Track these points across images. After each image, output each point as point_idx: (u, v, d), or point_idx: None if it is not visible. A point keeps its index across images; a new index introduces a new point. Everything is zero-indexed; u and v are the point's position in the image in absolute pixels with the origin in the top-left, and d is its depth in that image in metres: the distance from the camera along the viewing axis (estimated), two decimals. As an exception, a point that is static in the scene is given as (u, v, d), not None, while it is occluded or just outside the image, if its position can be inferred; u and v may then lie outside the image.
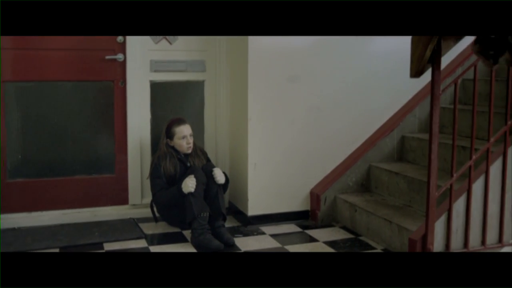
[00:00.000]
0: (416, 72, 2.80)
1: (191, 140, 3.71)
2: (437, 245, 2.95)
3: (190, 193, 3.42)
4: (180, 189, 3.48)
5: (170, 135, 3.69)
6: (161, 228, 3.75)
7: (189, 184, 3.45)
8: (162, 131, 3.75)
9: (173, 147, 3.70)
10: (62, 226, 3.74)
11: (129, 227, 3.72)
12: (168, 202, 3.64)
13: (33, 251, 3.25)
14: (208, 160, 3.84)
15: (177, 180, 3.60)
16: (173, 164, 3.65)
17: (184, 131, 3.68)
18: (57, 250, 3.28)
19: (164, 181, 3.64)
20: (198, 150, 3.81)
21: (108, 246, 3.37)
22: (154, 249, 3.35)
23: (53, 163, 3.90)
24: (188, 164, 3.70)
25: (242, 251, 3.33)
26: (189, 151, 3.71)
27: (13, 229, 3.67)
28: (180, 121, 3.71)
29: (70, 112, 3.90)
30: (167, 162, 3.65)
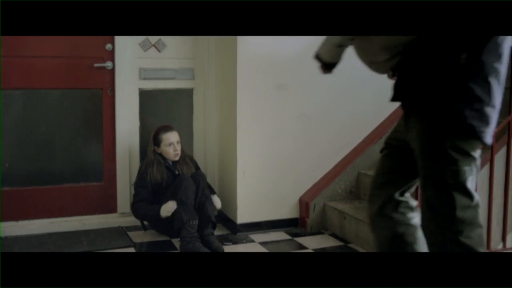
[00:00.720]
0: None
1: (178, 147, 3.71)
2: (426, 252, 2.96)
3: (180, 201, 3.41)
4: (159, 211, 3.51)
5: (157, 142, 3.68)
6: (150, 236, 3.74)
7: (168, 209, 3.48)
8: (149, 138, 3.75)
9: (160, 154, 3.70)
10: (50, 235, 3.71)
11: (118, 236, 3.70)
12: (143, 217, 3.69)
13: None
14: (197, 167, 3.83)
15: (164, 188, 3.60)
16: (160, 171, 3.65)
17: (171, 138, 3.68)
18: (44, 259, 3.25)
19: (148, 190, 3.62)
20: (187, 157, 3.80)
21: (96, 255, 3.35)
22: (143, 257, 3.33)
23: (41, 171, 3.87)
24: (176, 172, 3.69)
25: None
26: (177, 158, 3.71)
27: (0, 238, 3.64)
28: (167, 128, 3.71)
29: (59, 120, 3.88)
30: (154, 169, 3.64)
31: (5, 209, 3.76)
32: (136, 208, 3.67)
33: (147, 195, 3.64)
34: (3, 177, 3.77)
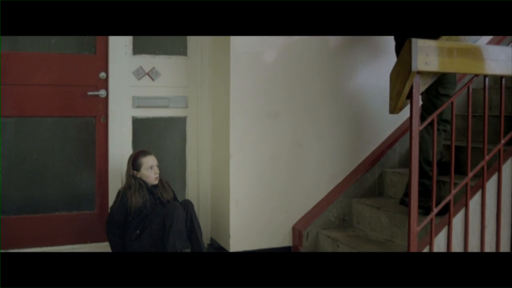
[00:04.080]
0: (395, 108, 2.85)
1: (158, 171, 3.71)
2: (419, 280, 2.94)
3: (172, 230, 3.39)
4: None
5: (136, 166, 3.68)
6: (142, 265, 3.70)
7: None
8: (127, 164, 3.73)
9: (140, 179, 3.69)
10: (40, 264, 3.67)
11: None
12: (109, 241, 3.68)
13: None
14: (174, 194, 3.83)
15: (148, 213, 3.60)
16: (142, 195, 3.63)
17: (150, 161, 3.68)
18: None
19: (123, 216, 3.62)
20: (165, 182, 3.80)
21: (88, 284, 3.31)
22: (135, 286, 3.30)
23: (33, 199, 3.85)
24: (157, 195, 3.69)
25: None
26: (156, 181, 3.71)
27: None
28: (145, 153, 3.72)
29: (51, 148, 3.88)
30: (136, 194, 3.62)
31: (-4, 238, 3.73)
32: (107, 230, 3.67)
33: (120, 220, 3.64)
34: (-6, 206, 3.75)
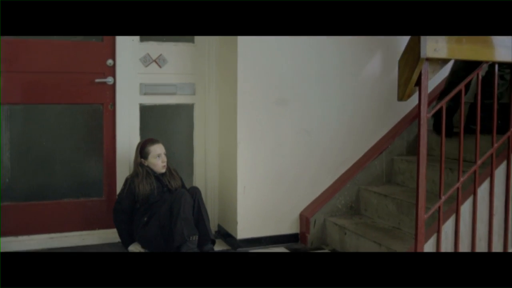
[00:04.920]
0: (403, 95, 2.83)
1: (165, 159, 3.72)
2: (427, 268, 2.94)
3: (180, 217, 3.40)
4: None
5: (144, 154, 3.69)
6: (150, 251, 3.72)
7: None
8: (135, 152, 3.75)
9: (148, 167, 3.70)
10: (49, 250, 3.69)
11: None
12: (117, 229, 3.73)
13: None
14: (182, 181, 3.84)
15: (155, 200, 3.61)
16: (149, 183, 3.65)
17: (158, 149, 3.69)
18: (44, 275, 3.24)
19: (130, 203, 3.66)
20: (172, 170, 3.81)
21: (96, 270, 3.33)
22: (143, 273, 3.31)
23: (41, 186, 3.87)
24: (165, 182, 3.70)
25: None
26: (164, 170, 3.72)
27: None
28: (153, 141, 3.73)
29: (59, 135, 3.89)
30: (143, 181, 3.64)
31: (5, 224, 3.75)
32: (115, 218, 3.72)
33: (128, 208, 3.67)
34: (3, 192, 3.76)
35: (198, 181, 4.15)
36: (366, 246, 3.45)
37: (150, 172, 3.68)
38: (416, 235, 2.86)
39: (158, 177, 3.70)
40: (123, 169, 3.95)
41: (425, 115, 2.82)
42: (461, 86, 2.96)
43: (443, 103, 2.87)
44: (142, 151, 3.70)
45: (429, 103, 3.09)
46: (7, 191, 3.78)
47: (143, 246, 3.69)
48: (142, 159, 3.70)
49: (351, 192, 4.03)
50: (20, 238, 3.78)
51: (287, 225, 3.95)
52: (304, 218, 3.93)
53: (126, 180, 3.72)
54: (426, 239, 2.94)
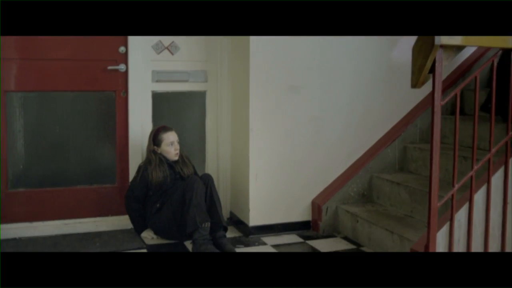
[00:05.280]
0: (417, 82, 2.80)
1: (178, 147, 3.73)
2: (439, 256, 2.94)
3: (192, 203, 3.41)
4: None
5: (157, 142, 3.70)
6: (162, 238, 3.74)
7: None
8: (148, 139, 3.77)
9: (161, 154, 3.71)
10: (63, 236, 3.73)
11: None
12: (129, 215, 3.77)
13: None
14: (194, 169, 3.85)
15: (168, 187, 3.63)
16: (162, 170, 3.66)
17: (171, 137, 3.70)
18: (58, 260, 3.28)
19: (142, 190, 3.69)
20: (185, 158, 3.82)
21: (109, 256, 3.36)
22: (155, 259, 3.34)
23: (55, 173, 3.90)
24: (177, 170, 3.71)
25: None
26: (177, 157, 3.73)
27: (14, 239, 3.67)
28: (166, 128, 3.73)
29: (72, 122, 3.91)
30: (157, 169, 3.65)
31: (20, 210, 3.79)
32: (127, 205, 3.76)
33: (141, 195, 3.70)
34: (17, 179, 3.80)
35: (210, 168, 4.16)
36: (378, 233, 3.44)
37: (163, 160, 3.69)
38: (428, 223, 2.85)
39: (171, 164, 3.71)
40: (136, 156, 3.97)
41: (439, 102, 2.79)
42: (476, 73, 2.93)
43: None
44: (155, 138, 3.71)
45: (443, 91, 3.05)
46: (22, 177, 3.82)
47: (155, 233, 3.71)
48: (155, 147, 3.71)
49: (363, 179, 4.02)
50: (35, 224, 3.82)
51: (299, 213, 3.95)
52: (316, 206, 3.93)
53: (139, 167, 3.73)
54: (439, 227, 2.92)
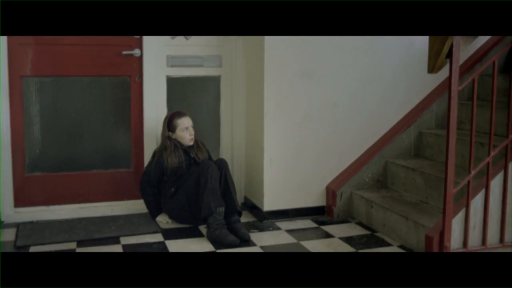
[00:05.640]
0: (433, 67, 2.78)
1: (193, 132, 3.73)
2: (454, 242, 2.93)
3: (207, 188, 3.42)
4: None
5: (172, 127, 3.71)
6: (177, 223, 3.76)
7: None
8: (163, 125, 3.77)
9: (175, 140, 3.72)
10: (79, 220, 3.77)
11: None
12: (144, 199, 3.81)
13: (51, 243, 3.30)
14: (208, 153, 3.86)
15: (183, 173, 3.64)
16: (177, 156, 3.67)
17: (185, 122, 3.71)
18: (74, 244, 3.31)
19: (157, 176, 3.72)
20: (200, 142, 3.82)
21: (124, 240, 3.39)
22: (170, 243, 3.37)
23: (71, 157, 3.93)
24: (191, 155, 3.72)
25: (258, 246, 3.34)
26: (192, 142, 3.74)
27: (31, 222, 3.71)
28: (181, 114, 3.74)
29: (87, 107, 3.93)
30: (172, 154, 3.66)
31: (36, 194, 3.83)
32: (142, 189, 3.79)
33: (155, 180, 3.74)
34: (34, 163, 3.84)
35: (224, 153, 4.17)
36: (393, 219, 3.43)
37: (178, 145, 3.70)
38: (444, 209, 2.84)
39: (186, 150, 3.73)
40: (151, 140, 3.98)
41: (456, 88, 2.77)
42: (494, 58, 2.90)
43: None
44: (169, 124, 3.72)
45: (460, 76, 3.02)
46: (38, 161, 3.85)
47: (170, 217, 3.74)
48: (170, 132, 3.72)
49: (378, 165, 4.00)
50: (52, 207, 3.87)
51: (314, 198, 3.95)
52: (331, 191, 3.92)
53: (154, 153, 3.75)
54: (455, 213, 2.91)
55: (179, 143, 3.72)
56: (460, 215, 2.95)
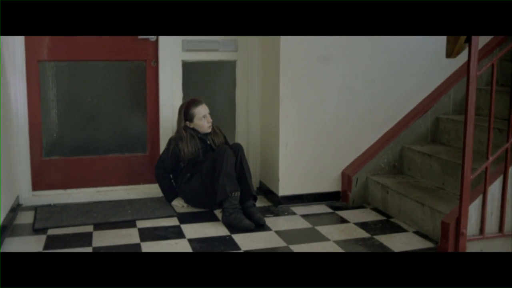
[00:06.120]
0: (452, 52, 2.75)
1: (210, 119, 3.73)
2: (471, 229, 2.91)
3: (222, 173, 3.43)
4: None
5: (189, 117, 3.70)
6: (192, 207, 3.78)
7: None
8: (179, 114, 3.75)
9: (193, 129, 3.71)
10: (96, 203, 3.81)
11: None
12: (159, 184, 3.83)
13: (68, 226, 3.34)
14: (225, 137, 3.86)
15: (201, 160, 3.65)
16: (193, 144, 3.67)
17: (202, 111, 3.70)
18: (91, 227, 3.35)
19: (172, 164, 3.73)
20: (216, 128, 3.82)
21: (140, 224, 3.42)
22: (185, 227, 3.39)
23: (87, 141, 3.96)
24: (208, 142, 3.72)
25: (273, 230, 3.35)
26: (210, 130, 3.74)
27: (49, 205, 3.76)
28: (197, 102, 3.72)
29: (104, 91, 3.95)
30: (188, 144, 3.66)
31: (54, 178, 3.88)
32: (157, 175, 3.80)
33: (170, 167, 3.75)
34: (51, 147, 3.87)
35: (240, 138, 4.17)
36: (409, 205, 3.42)
37: (194, 135, 3.70)
38: (461, 195, 2.82)
39: (202, 138, 3.72)
40: (166, 125, 3.99)
41: (475, 72, 2.73)
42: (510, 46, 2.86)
43: None
44: (186, 114, 3.70)
45: (479, 60, 2.97)
46: (55, 145, 3.89)
47: (186, 201, 3.76)
48: (187, 122, 3.71)
49: (394, 151, 3.97)
50: (69, 191, 3.91)
51: (329, 183, 3.95)
52: (346, 176, 3.91)
53: (170, 140, 3.75)
54: (472, 200, 2.89)
55: (195, 131, 3.72)
56: (477, 201, 2.92)
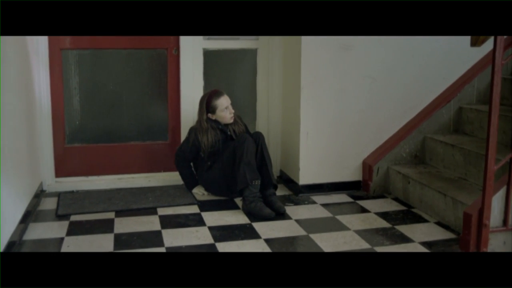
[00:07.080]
0: (477, 41, 2.71)
1: (232, 110, 3.72)
2: (494, 220, 2.87)
3: (243, 161, 3.43)
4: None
5: (211, 109, 3.67)
6: (213, 195, 3.80)
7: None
8: (200, 106, 3.71)
9: (214, 120, 3.71)
10: (117, 190, 3.85)
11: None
12: (179, 171, 3.85)
13: (91, 213, 3.38)
14: (246, 126, 3.85)
15: (221, 150, 3.65)
16: (213, 135, 3.67)
17: (224, 102, 3.67)
18: (113, 214, 3.39)
19: (192, 154, 3.74)
20: (236, 117, 3.81)
21: (161, 211, 3.45)
22: (206, 215, 3.40)
23: (109, 129, 4.00)
24: (228, 132, 3.72)
25: (293, 219, 3.35)
26: (232, 120, 3.72)
27: (72, 192, 3.81)
28: (218, 94, 3.69)
29: (125, 79, 3.97)
30: (208, 135, 3.65)
31: (76, 165, 3.93)
32: (177, 163, 3.82)
33: (190, 156, 3.76)
34: (73, 134, 3.91)
35: (261, 126, 4.17)
36: (430, 195, 3.39)
37: (214, 126, 3.69)
38: (484, 186, 2.79)
39: (222, 129, 3.72)
40: (188, 113, 4.01)
41: (500, 61, 2.69)
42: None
43: None
44: (208, 106, 3.68)
45: (505, 49, 2.92)
46: (78, 133, 3.93)
47: (206, 189, 3.77)
48: (209, 114, 3.70)
49: (416, 140, 3.94)
50: (91, 178, 3.95)
51: (350, 172, 3.93)
52: (367, 166, 3.89)
53: (191, 130, 3.75)
54: (495, 191, 2.86)
55: (217, 122, 3.71)
56: (501, 192, 2.89)
